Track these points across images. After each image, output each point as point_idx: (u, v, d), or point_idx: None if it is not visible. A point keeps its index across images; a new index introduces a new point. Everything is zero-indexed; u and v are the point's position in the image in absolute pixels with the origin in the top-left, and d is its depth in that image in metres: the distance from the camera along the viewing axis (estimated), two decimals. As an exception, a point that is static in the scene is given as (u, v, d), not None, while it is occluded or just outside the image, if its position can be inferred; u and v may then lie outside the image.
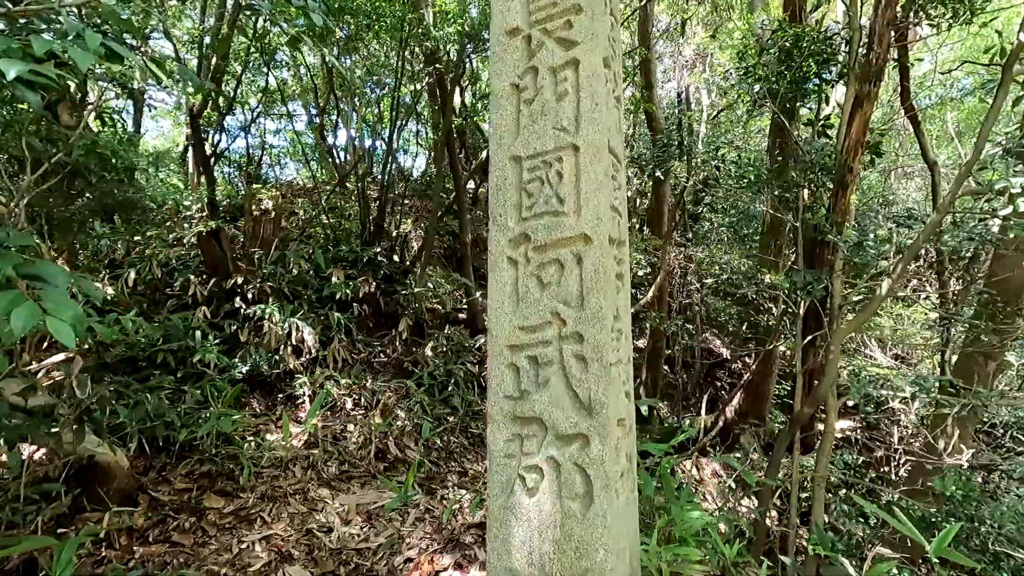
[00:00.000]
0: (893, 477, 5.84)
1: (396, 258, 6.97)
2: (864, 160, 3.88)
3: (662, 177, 6.56)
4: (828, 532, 4.12)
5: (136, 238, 5.86)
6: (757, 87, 4.82)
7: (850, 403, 4.60)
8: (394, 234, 7.35)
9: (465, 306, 6.72)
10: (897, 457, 6.18)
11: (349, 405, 4.73)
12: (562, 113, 2.16)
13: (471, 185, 13.20)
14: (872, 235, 3.54)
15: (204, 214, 6.77)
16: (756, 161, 5.14)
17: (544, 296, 2.09)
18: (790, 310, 4.73)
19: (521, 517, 2.02)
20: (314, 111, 10.16)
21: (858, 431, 7.66)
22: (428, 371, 5.46)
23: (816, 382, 4.37)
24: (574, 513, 1.93)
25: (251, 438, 3.72)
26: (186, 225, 6.33)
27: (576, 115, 2.14)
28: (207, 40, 6.14)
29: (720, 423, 6.79)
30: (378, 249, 6.36)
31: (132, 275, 5.12)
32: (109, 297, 4.91)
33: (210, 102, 7.54)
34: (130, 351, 4.03)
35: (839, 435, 7.35)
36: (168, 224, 6.29)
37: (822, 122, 4.53)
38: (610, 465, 1.93)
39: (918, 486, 4.30)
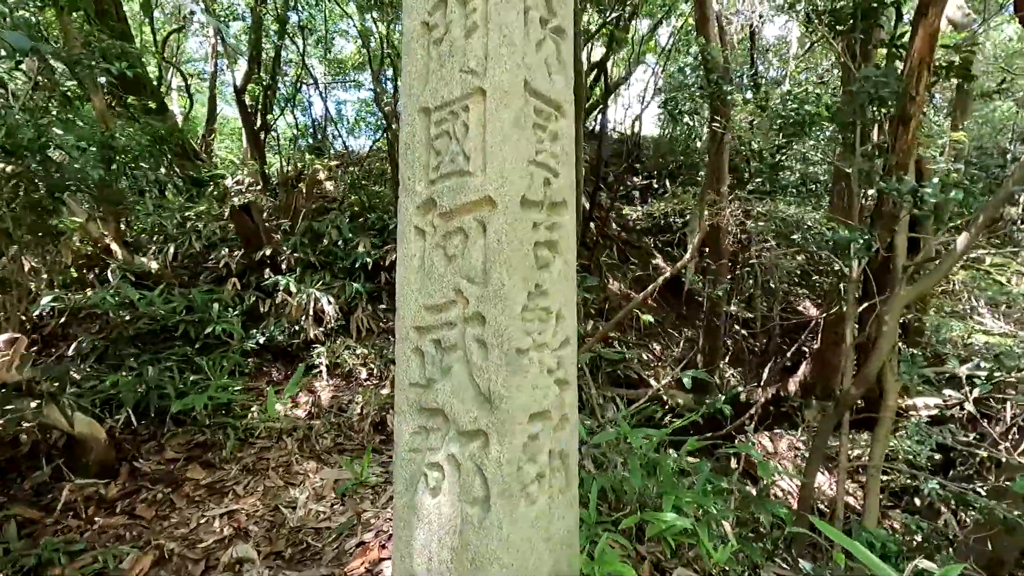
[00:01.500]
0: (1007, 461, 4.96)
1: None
2: (931, 84, 3.09)
3: (718, 123, 5.83)
4: (884, 530, 3.56)
5: (187, 213, 6.17)
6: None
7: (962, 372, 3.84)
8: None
9: None
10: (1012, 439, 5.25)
11: (364, 375, 4.75)
12: (470, 52, 1.81)
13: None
14: (937, 179, 2.80)
15: (251, 187, 7.01)
16: (817, 98, 4.36)
17: (448, 271, 1.81)
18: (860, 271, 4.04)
19: (423, 518, 1.81)
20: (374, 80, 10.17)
21: (962, 407, 6.62)
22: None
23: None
24: (471, 520, 1.69)
25: (255, 408, 3.80)
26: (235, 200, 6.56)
27: (485, 53, 1.79)
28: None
29: (781, 395, 6.14)
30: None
31: (172, 249, 5.41)
32: (153, 271, 5.22)
33: (252, 76, 7.73)
34: (154, 323, 4.25)
35: (935, 412, 6.40)
36: (217, 198, 6.56)
37: (895, 42, 3.71)
38: (510, 468, 1.65)
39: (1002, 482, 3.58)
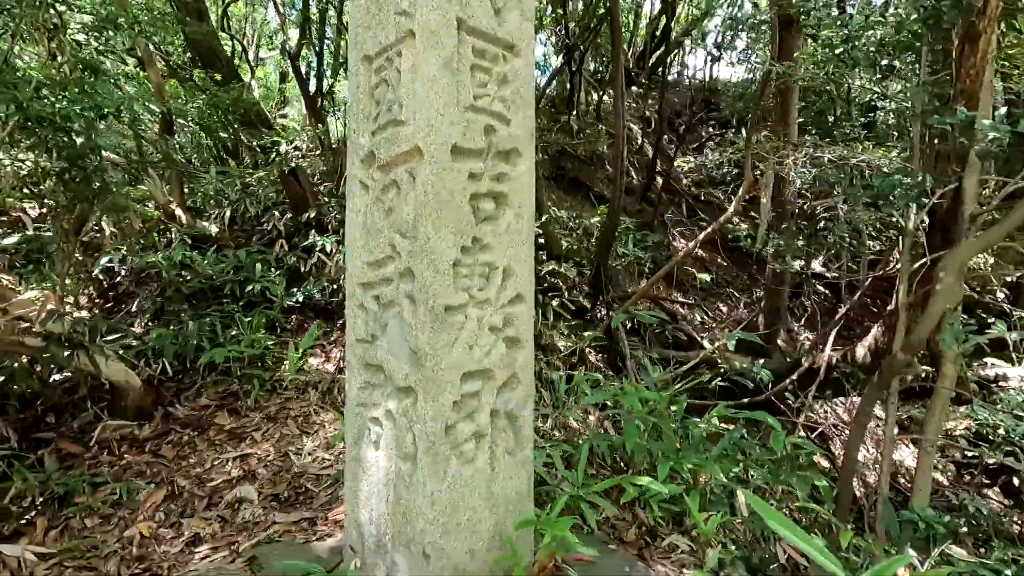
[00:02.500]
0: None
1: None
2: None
3: (774, 64, 5.22)
4: (934, 510, 3.21)
5: (248, 179, 6.54)
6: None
7: (1013, 337, 3.37)
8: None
9: (539, 229, 6.36)
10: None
11: (396, 332, 4.88)
12: (404, -9, 1.71)
13: (594, 98, 12.23)
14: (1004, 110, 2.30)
15: (308, 152, 7.28)
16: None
17: (385, 225, 1.77)
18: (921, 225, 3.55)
19: (367, 470, 1.84)
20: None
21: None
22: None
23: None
24: (403, 475, 1.69)
25: (287, 362, 4.03)
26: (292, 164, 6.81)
27: (417, -9, 1.67)
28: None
29: (849, 360, 5.63)
30: None
31: (228, 213, 5.79)
32: (213, 234, 5.62)
33: (303, 42, 7.90)
34: (206, 283, 4.60)
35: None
36: (275, 164, 6.86)
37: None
38: (435, 425, 1.62)
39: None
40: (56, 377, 3.23)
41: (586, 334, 5.38)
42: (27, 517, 2.32)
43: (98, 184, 3.36)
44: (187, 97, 6.93)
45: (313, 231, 5.59)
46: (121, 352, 3.23)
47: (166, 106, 5.60)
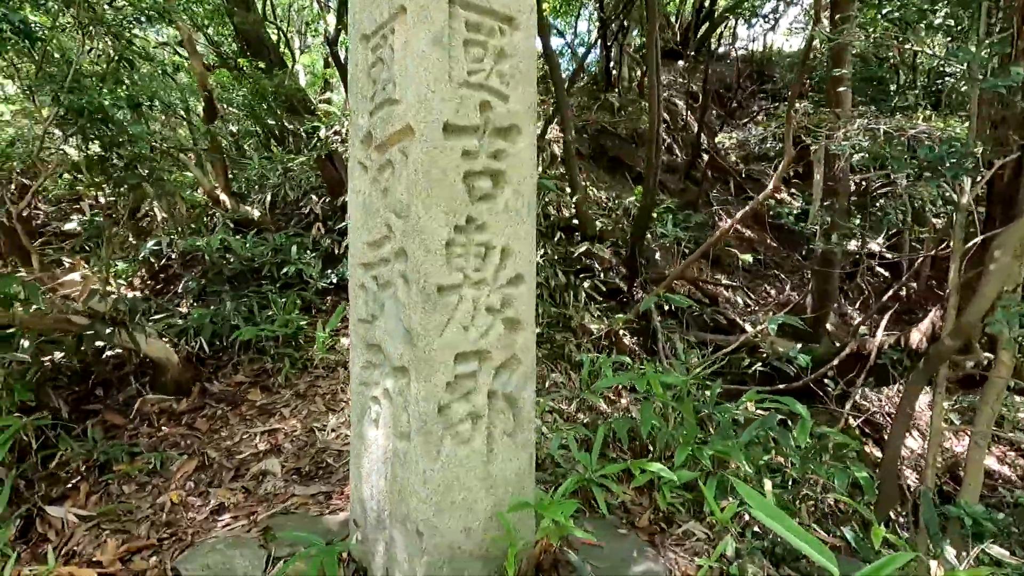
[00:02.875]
0: None
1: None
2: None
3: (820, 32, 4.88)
4: (985, 508, 3.00)
5: (289, 164, 6.73)
6: None
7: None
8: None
9: (573, 209, 6.25)
10: None
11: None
12: (396, -34, 1.67)
13: (637, 74, 11.83)
14: None
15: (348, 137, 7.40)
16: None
17: (382, 205, 1.77)
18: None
19: (368, 448, 1.87)
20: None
21: None
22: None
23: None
24: (399, 453, 1.71)
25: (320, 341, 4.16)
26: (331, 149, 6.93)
27: (407, -35, 1.64)
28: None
29: (902, 346, 5.30)
30: None
31: (269, 198, 5.98)
32: (255, 218, 5.83)
33: (341, 29, 7.98)
34: (245, 265, 4.79)
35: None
36: (315, 149, 7.01)
37: None
38: (427, 405, 1.63)
39: None
40: (109, 353, 3.45)
41: (618, 316, 5.28)
42: (72, 482, 2.51)
43: (146, 171, 3.55)
44: (234, 85, 7.18)
45: (347, 214, 5.70)
46: (164, 330, 3.42)
47: (209, 93, 5.80)
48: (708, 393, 3.74)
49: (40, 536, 2.22)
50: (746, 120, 12.24)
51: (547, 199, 6.25)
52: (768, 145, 9.59)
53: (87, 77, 2.77)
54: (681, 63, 12.45)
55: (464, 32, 1.66)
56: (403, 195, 1.65)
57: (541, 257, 5.74)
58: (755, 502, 1.19)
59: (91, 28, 2.82)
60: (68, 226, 4.76)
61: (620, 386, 4.43)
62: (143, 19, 3.98)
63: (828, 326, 6.84)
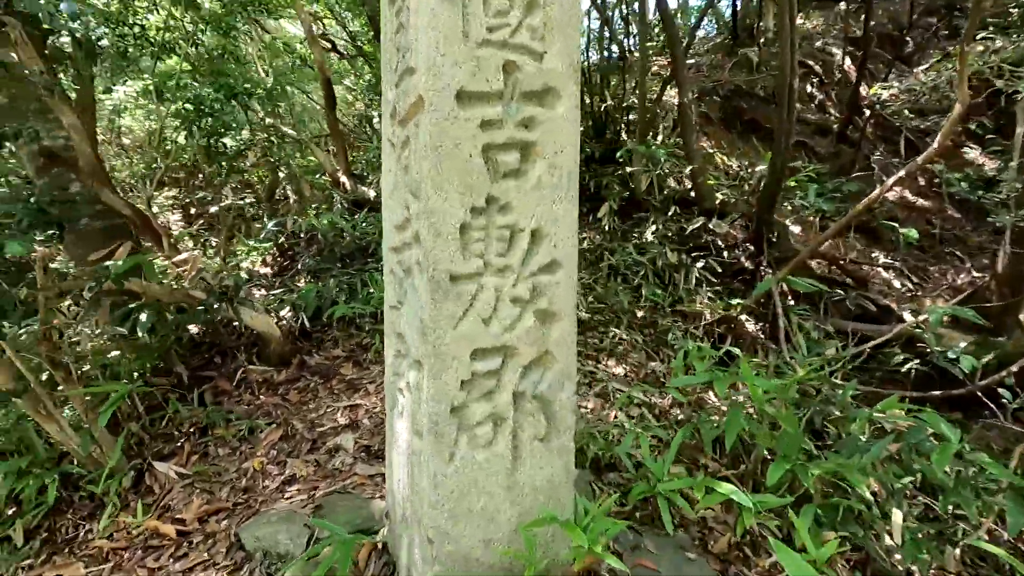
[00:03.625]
0: None
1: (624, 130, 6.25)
2: None
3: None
4: None
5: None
6: None
7: None
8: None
9: (688, 181, 5.65)
10: None
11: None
12: (411, -84, 1.50)
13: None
14: None
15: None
16: None
17: (402, 184, 1.64)
18: None
19: (396, 441, 1.79)
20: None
21: None
22: (619, 259, 4.96)
23: None
24: (415, 452, 1.61)
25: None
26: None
27: (421, -90, 1.46)
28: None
29: None
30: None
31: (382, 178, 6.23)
32: (371, 198, 6.13)
33: None
34: (357, 243, 5.04)
35: None
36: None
37: None
38: (437, 405, 1.49)
39: None
40: (235, 324, 3.82)
41: (734, 302, 4.70)
42: (180, 442, 2.81)
43: (276, 157, 3.87)
44: (359, 72, 7.57)
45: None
46: (277, 305, 3.71)
47: (328, 79, 6.15)
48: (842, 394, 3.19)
49: (147, 488, 2.51)
50: (926, 66, 10.18)
51: (663, 170, 5.74)
52: (952, 94, 7.90)
53: (192, 72, 3.04)
54: (842, 5, 10.69)
55: (484, -17, 1.44)
56: (417, 173, 1.51)
57: (652, 234, 5.31)
58: (791, 566, 0.88)
59: (199, 26, 3.07)
60: (213, 209, 5.39)
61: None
62: (264, 12, 4.26)
63: (1022, 318, 5.48)
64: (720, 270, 5.23)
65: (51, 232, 2.70)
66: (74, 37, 2.58)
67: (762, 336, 5.15)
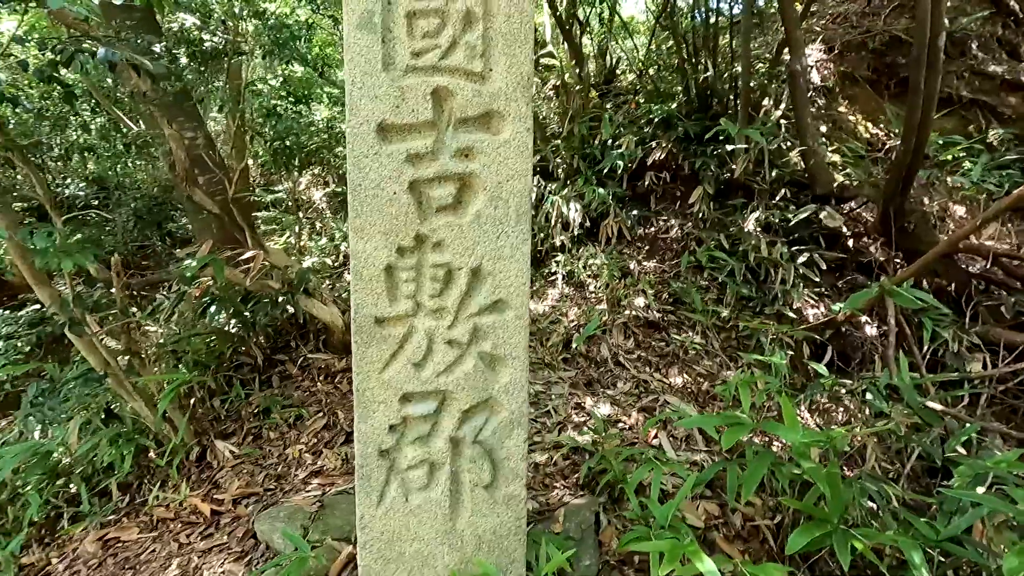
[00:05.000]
0: None
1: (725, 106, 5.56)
2: None
3: None
4: None
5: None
6: None
7: None
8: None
9: (800, 160, 4.86)
10: None
11: (592, 287, 4.55)
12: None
13: None
14: None
15: (563, 89, 7.22)
16: None
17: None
18: None
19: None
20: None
21: None
22: (705, 251, 4.47)
23: None
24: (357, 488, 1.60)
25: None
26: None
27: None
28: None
29: None
30: (675, 105, 5.27)
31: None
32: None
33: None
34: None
35: None
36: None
37: None
38: (364, 447, 1.49)
39: None
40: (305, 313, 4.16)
41: (836, 307, 4.04)
42: (243, 424, 3.14)
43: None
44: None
45: (538, 176, 5.61)
46: (341, 296, 3.95)
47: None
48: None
49: (207, 464, 2.86)
50: None
51: (781, 145, 5.03)
52: None
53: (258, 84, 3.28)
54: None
55: (408, 1, 1.32)
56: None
57: (753, 222, 4.72)
58: None
59: (253, 42, 3.29)
60: (317, 196, 5.85)
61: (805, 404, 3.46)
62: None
63: None
64: (832, 266, 4.53)
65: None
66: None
67: (876, 344, 4.39)
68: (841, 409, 3.56)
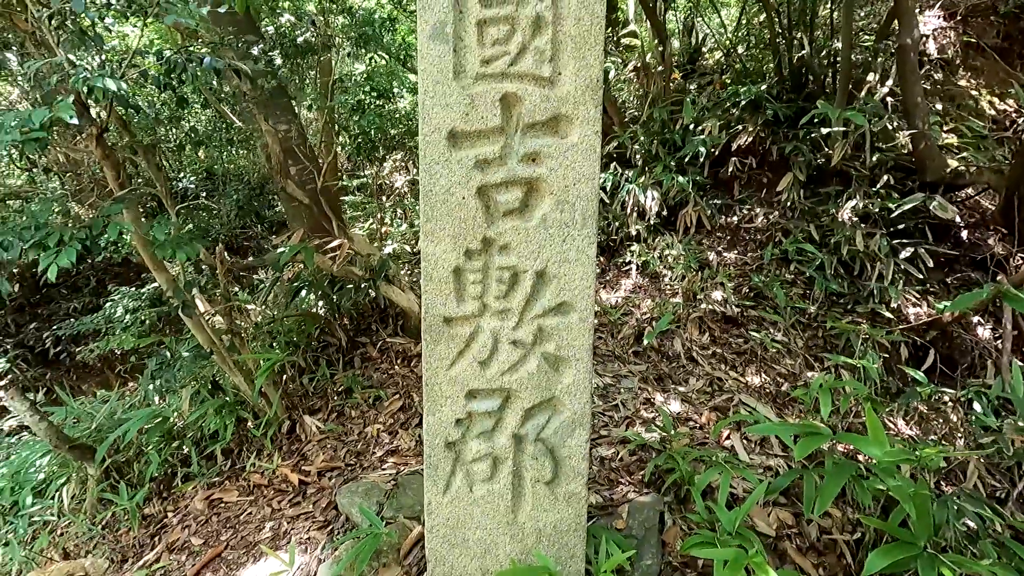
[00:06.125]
0: None
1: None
2: None
3: None
4: None
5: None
6: None
7: None
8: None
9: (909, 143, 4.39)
10: None
11: (668, 279, 4.40)
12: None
13: None
14: None
15: (645, 71, 7.00)
16: None
17: (425, 219, 1.67)
18: None
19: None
20: None
21: None
22: (792, 242, 4.19)
23: None
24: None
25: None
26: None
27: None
28: None
29: None
30: (764, 86, 4.91)
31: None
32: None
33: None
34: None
35: None
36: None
37: None
38: (431, 438, 1.57)
39: None
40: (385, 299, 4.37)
41: (940, 305, 3.67)
42: (329, 401, 3.38)
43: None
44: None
45: (615, 163, 5.50)
46: (413, 283, 4.12)
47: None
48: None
49: (296, 437, 3.12)
50: None
51: (888, 126, 4.61)
52: None
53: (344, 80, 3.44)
54: None
55: (477, 10, 1.35)
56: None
57: (850, 211, 4.38)
58: None
59: (342, 36, 3.43)
60: (397, 184, 6.07)
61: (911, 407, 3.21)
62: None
63: None
64: (940, 260, 4.13)
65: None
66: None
67: (995, 351, 3.96)
68: (941, 419, 3.27)
